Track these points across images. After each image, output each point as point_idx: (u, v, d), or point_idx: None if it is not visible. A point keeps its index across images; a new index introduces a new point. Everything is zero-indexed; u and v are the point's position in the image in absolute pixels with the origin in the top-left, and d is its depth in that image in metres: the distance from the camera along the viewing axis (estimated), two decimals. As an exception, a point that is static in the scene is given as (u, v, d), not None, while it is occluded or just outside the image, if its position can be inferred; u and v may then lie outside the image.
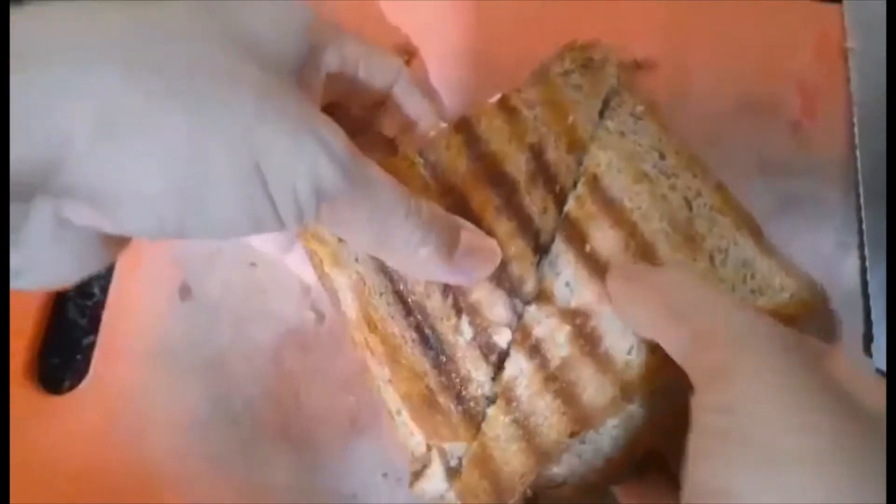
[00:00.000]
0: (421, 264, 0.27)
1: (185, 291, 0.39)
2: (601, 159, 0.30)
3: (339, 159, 0.22)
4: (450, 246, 0.27)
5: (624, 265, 0.28)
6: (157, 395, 0.37)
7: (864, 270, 0.36)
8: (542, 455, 0.27)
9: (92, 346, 0.39)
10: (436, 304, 0.29)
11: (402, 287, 0.29)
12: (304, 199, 0.21)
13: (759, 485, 0.19)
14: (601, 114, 0.31)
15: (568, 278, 0.28)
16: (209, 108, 0.20)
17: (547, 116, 0.30)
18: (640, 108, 0.30)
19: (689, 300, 0.24)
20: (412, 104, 0.32)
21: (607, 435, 0.28)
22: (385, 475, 0.35)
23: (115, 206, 0.20)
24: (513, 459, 0.27)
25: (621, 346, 0.27)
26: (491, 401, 0.28)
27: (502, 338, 0.28)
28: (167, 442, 0.37)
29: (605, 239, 0.28)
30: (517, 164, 0.30)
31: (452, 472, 0.28)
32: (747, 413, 0.20)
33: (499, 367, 0.28)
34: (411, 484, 0.29)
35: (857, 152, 0.37)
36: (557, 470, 0.28)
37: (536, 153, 0.30)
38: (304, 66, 0.27)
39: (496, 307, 0.28)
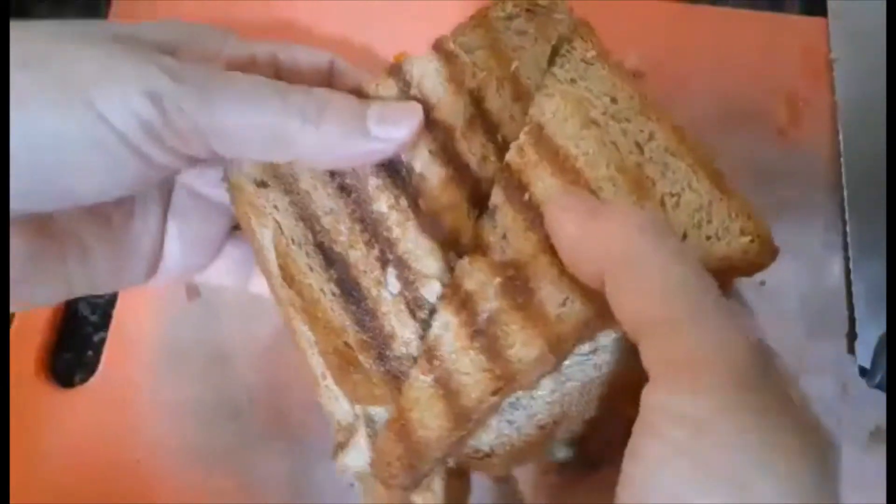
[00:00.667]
0: (328, 146, 0.24)
1: (192, 291, 0.40)
2: (546, 108, 0.27)
3: (167, 67, 0.22)
4: (359, 115, 0.24)
5: (566, 195, 0.25)
6: (163, 390, 0.39)
7: (847, 271, 0.37)
8: (461, 416, 0.25)
9: (102, 342, 0.40)
10: (359, 256, 0.26)
11: (323, 238, 0.27)
12: (139, 108, 0.22)
13: None
14: (550, 61, 0.28)
15: (505, 230, 0.26)
16: (37, 66, 0.22)
17: (488, 62, 0.28)
18: (591, 54, 0.28)
19: (642, 273, 0.21)
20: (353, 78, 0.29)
21: (542, 400, 0.26)
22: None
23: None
24: (431, 422, 0.25)
25: (556, 297, 0.24)
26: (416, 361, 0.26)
27: (431, 292, 0.25)
28: (173, 434, 0.38)
29: (545, 188, 0.26)
30: (453, 109, 0.27)
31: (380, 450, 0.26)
32: (715, 439, 0.18)
33: (428, 324, 0.25)
34: (334, 456, 0.27)
35: (842, 158, 0.39)
36: (485, 438, 0.26)
37: (476, 99, 0.27)
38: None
39: (425, 259, 0.26)
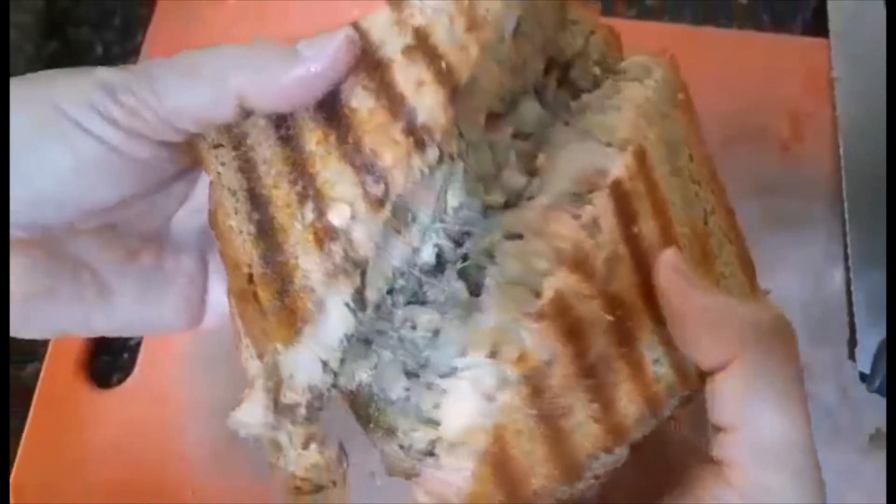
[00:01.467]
0: (264, 81, 0.23)
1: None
2: (649, 134, 0.24)
3: (121, 69, 0.24)
4: (284, 52, 0.24)
5: (680, 258, 0.23)
6: (196, 390, 0.41)
7: (848, 281, 0.39)
8: (571, 471, 0.22)
9: (138, 346, 0.43)
10: (281, 193, 0.24)
11: (255, 184, 0.25)
12: (95, 98, 0.23)
13: None
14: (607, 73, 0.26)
15: (609, 253, 0.23)
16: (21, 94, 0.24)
17: (444, 2, 0.24)
18: (680, 97, 0.26)
19: (767, 373, 0.21)
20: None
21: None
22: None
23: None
24: (539, 469, 0.22)
25: (651, 354, 0.23)
26: (345, 318, 0.23)
27: (339, 216, 0.23)
28: (205, 432, 0.40)
29: (648, 226, 0.23)
30: (394, 45, 0.24)
31: (284, 409, 0.23)
32: None
33: (347, 264, 0.23)
34: (232, 414, 0.24)
35: (842, 172, 0.41)
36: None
37: (421, 34, 0.24)
38: None
39: (340, 185, 0.23)
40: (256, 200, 0.24)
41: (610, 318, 0.22)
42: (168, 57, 0.24)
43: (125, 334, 0.28)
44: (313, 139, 0.24)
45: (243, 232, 0.24)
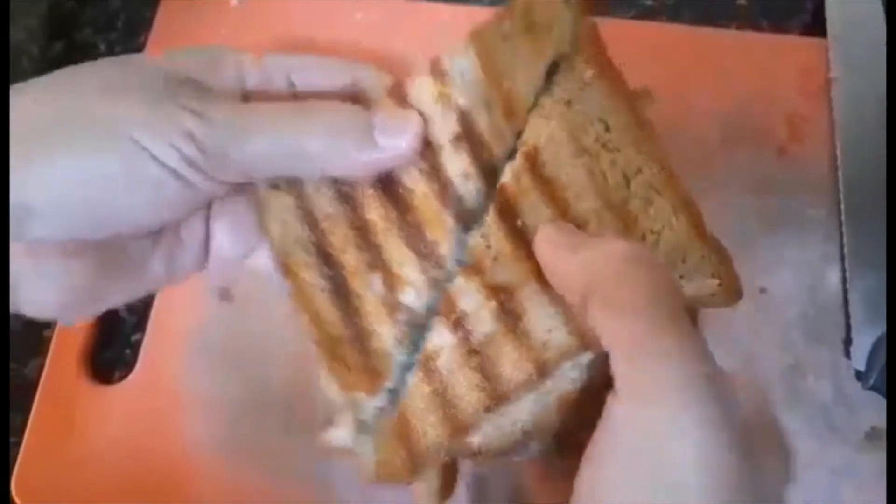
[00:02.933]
0: (342, 159, 0.27)
1: (224, 294, 0.43)
2: (542, 130, 0.28)
3: (206, 115, 0.25)
4: (366, 128, 0.27)
5: (553, 228, 0.26)
6: (197, 387, 0.41)
7: (844, 280, 0.39)
8: (458, 427, 0.27)
9: (139, 342, 0.43)
10: (350, 259, 0.29)
11: (320, 239, 0.29)
12: (187, 150, 0.25)
13: None
14: (548, 78, 0.28)
15: (497, 253, 0.28)
16: (84, 112, 0.25)
17: (479, 82, 0.29)
18: (589, 73, 0.28)
19: (622, 294, 0.22)
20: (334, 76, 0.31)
21: (525, 409, 0.28)
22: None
23: (48, 218, 0.25)
24: (430, 430, 0.27)
25: (542, 324, 0.27)
26: (404, 364, 0.28)
27: (407, 297, 0.28)
28: (207, 428, 0.40)
29: (537, 216, 0.27)
30: (443, 129, 0.29)
31: (361, 426, 0.29)
32: (665, 449, 0.20)
33: (410, 330, 0.28)
34: (321, 430, 0.30)
35: (839, 173, 0.41)
36: (475, 440, 0.28)
37: (465, 119, 0.28)
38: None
39: (406, 267, 0.28)
40: (325, 258, 0.29)
41: (494, 303, 0.27)
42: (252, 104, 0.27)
43: (150, 292, 0.32)
44: (373, 209, 0.29)
45: (319, 289, 0.29)
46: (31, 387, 0.43)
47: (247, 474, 0.39)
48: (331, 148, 0.27)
